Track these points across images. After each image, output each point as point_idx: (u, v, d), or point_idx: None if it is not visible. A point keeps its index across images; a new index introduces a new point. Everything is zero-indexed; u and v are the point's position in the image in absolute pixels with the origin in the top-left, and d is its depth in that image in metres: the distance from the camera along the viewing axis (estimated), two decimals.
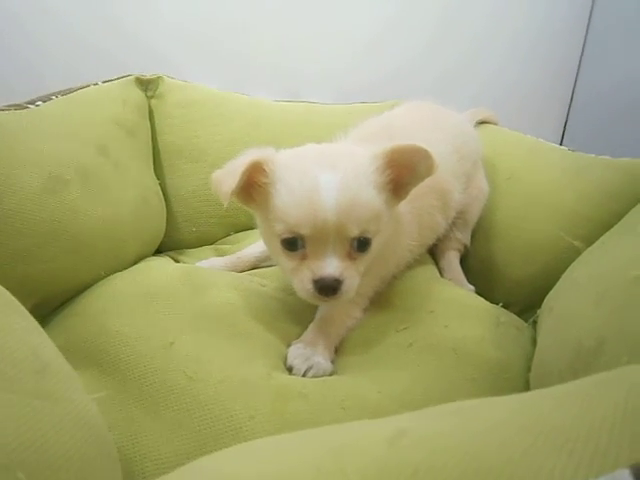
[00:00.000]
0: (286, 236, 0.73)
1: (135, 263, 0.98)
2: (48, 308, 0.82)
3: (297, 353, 0.76)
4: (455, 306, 0.85)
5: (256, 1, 1.40)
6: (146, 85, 1.16)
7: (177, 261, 1.09)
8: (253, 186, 0.76)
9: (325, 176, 0.71)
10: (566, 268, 0.92)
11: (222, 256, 1.08)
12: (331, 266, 0.71)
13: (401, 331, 0.80)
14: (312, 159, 0.76)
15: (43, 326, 0.77)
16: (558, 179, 1.03)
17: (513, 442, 0.32)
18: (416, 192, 0.86)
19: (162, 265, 0.93)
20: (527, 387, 0.72)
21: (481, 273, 1.07)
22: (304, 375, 0.73)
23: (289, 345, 0.79)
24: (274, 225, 0.73)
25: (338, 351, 0.82)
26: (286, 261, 0.76)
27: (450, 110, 1.10)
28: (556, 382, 0.63)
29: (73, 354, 0.72)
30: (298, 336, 0.83)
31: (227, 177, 0.73)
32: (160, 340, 0.72)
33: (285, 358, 0.76)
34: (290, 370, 0.74)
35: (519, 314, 0.96)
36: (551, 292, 0.83)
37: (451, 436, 0.34)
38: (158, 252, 1.13)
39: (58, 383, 0.49)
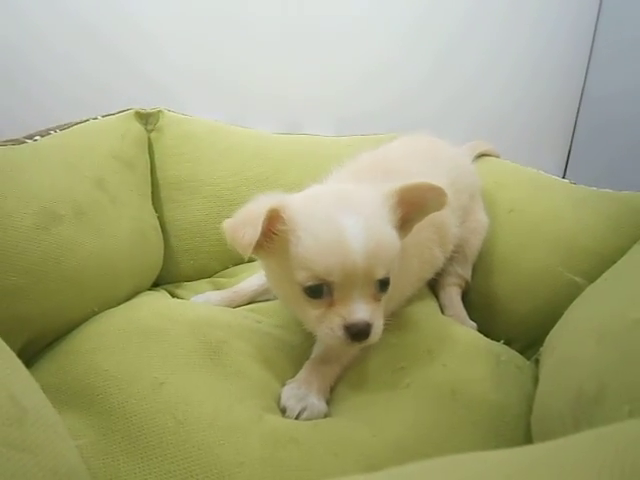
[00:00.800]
0: (311, 283, 0.71)
1: (130, 298, 0.97)
2: (39, 346, 0.80)
3: (291, 394, 0.74)
4: (454, 344, 0.83)
5: (256, 34, 1.41)
6: (146, 119, 1.16)
7: (174, 295, 1.08)
8: (267, 234, 0.73)
9: (349, 220, 0.70)
10: (568, 304, 0.90)
11: (219, 289, 1.07)
12: (362, 311, 0.70)
13: (398, 371, 0.78)
14: (330, 203, 0.75)
15: (32, 364, 0.78)
16: (559, 212, 1.01)
17: None
18: (416, 226, 0.86)
19: (155, 301, 0.92)
20: (528, 430, 0.70)
21: (482, 308, 1.05)
22: (298, 416, 0.71)
23: (283, 384, 0.77)
24: (296, 273, 0.71)
25: (333, 390, 0.80)
26: (310, 309, 0.74)
27: (446, 143, 1.10)
28: (558, 428, 0.61)
29: (61, 394, 0.71)
30: (293, 375, 0.81)
31: (245, 227, 0.70)
32: (150, 380, 0.70)
33: (279, 398, 0.74)
34: (284, 411, 0.72)
35: (521, 350, 0.94)
36: (553, 330, 0.81)
37: None
38: (155, 285, 1.12)
39: (36, 432, 0.48)
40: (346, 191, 0.80)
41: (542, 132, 1.59)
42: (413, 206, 0.77)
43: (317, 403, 0.73)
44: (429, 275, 1.00)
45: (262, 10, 1.40)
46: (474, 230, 1.05)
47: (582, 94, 1.54)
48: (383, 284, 0.74)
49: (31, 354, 0.79)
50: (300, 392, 0.74)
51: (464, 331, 0.89)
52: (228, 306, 0.98)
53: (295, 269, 0.71)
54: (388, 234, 0.73)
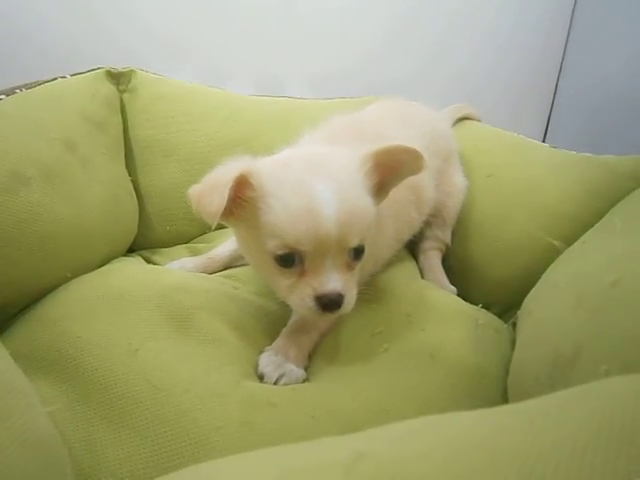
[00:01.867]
0: (281, 252, 0.69)
1: (104, 263, 0.95)
2: (9, 312, 0.78)
3: (268, 360, 0.73)
4: (433, 309, 0.83)
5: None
6: (118, 78, 1.11)
7: (149, 261, 1.06)
8: (236, 201, 0.70)
9: (321, 186, 0.68)
10: (546, 268, 0.91)
11: (196, 255, 1.05)
12: (334, 281, 0.68)
13: (376, 335, 0.78)
14: (302, 168, 0.71)
15: (2, 331, 0.75)
16: (539, 177, 1.01)
17: (476, 466, 0.30)
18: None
19: (129, 267, 0.90)
20: (505, 392, 0.71)
21: (461, 273, 1.05)
22: (275, 383, 0.70)
23: (261, 352, 0.77)
24: (266, 242, 0.69)
25: (311, 357, 0.79)
26: (281, 279, 0.71)
27: (423, 106, 1.08)
28: (534, 390, 0.62)
29: (33, 361, 0.69)
30: (271, 342, 0.80)
31: (212, 194, 0.67)
32: (124, 347, 0.68)
33: (257, 365, 0.74)
34: (261, 378, 0.71)
35: (499, 315, 0.95)
36: (530, 293, 0.81)
37: (411, 462, 0.31)
38: (131, 251, 1.10)
39: (3, 399, 0.46)
40: (319, 155, 0.76)
41: (522, 94, 1.57)
42: (389, 170, 0.74)
43: (295, 369, 0.72)
44: (406, 237, 0.99)
45: None
46: (450, 193, 1.05)
47: (563, 57, 1.52)
48: (357, 252, 0.72)
49: (2, 320, 0.77)
50: (278, 359, 0.73)
51: (442, 295, 0.89)
52: (203, 272, 0.97)
53: (265, 237, 0.69)
54: (363, 200, 0.71)
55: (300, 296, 0.69)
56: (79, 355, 0.68)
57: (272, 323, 0.84)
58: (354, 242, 0.69)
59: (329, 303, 0.68)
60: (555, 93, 1.54)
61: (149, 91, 1.13)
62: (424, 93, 1.28)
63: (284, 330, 0.81)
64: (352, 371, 0.72)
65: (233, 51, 1.39)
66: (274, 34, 1.40)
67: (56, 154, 0.88)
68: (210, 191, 0.68)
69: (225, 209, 0.66)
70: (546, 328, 0.64)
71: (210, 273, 0.97)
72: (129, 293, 0.77)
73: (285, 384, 0.70)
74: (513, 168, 1.04)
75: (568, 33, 1.49)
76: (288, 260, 0.69)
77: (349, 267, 0.72)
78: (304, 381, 0.73)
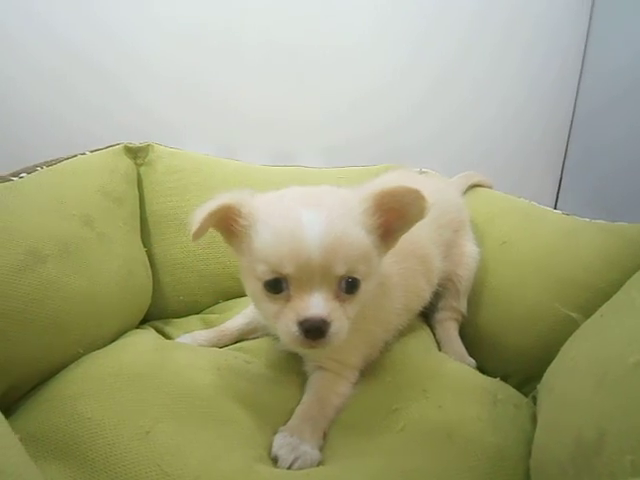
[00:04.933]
0: (268, 278, 0.70)
1: (117, 337, 0.95)
2: (20, 391, 0.77)
3: (283, 442, 0.71)
4: (449, 383, 0.81)
5: (246, 62, 1.41)
6: (135, 153, 1.15)
7: (162, 332, 1.05)
8: (230, 231, 0.75)
9: (309, 213, 0.69)
10: (564, 339, 0.89)
11: (210, 326, 1.05)
12: (317, 306, 0.67)
13: (392, 413, 0.76)
14: (295, 199, 0.74)
15: (14, 412, 0.74)
16: (553, 244, 1.00)
17: None
18: (399, 255, 0.85)
19: (141, 343, 0.89)
20: (527, 474, 0.67)
21: (477, 342, 1.03)
22: (290, 466, 0.68)
23: (275, 432, 0.75)
24: (255, 268, 0.71)
25: (326, 434, 0.77)
26: (269, 305, 0.72)
27: (432, 178, 1.09)
28: (558, 476, 0.59)
29: (42, 444, 0.68)
30: (286, 418, 0.78)
31: (195, 218, 0.73)
32: (135, 428, 0.67)
33: (270, 447, 0.72)
34: (275, 461, 0.69)
35: (518, 386, 0.92)
36: (550, 368, 0.79)
37: None
38: (144, 321, 1.09)
39: None
40: (316, 189, 0.79)
41: (533, 159, 1.59)
42: (393, 212, 0.73)
43: (310, 452, 0.70)
44: (416, 307, 0.98)
45: (253, 37, 1.41)
46: (461, 262, 1.05)
47: (572, 121, 1.55)
48: (350, 285, 0.71)
49: (12, 400, 0.76)
50: (292, 441, 0.71)
51: (460, 368, 0.87)
52: (215, 346, 0.96)
53: (255, 264, 0.71)
54: (353, 231, 0.70)
55: (285, 321, 0.69)
56: (89, 438, 0.66)
57: (286, 397, 0.82)
58: (339, 270, 0.68)
59: (311, 329, 0.67)
60: (565, 158, 1.56)
61: (165, 164, 1.16)
62: (436, 160, 1.31)
63: (298, 408, 0.79)
64: (367, 453, 0.70)
65: (248, 125, 1.44)
66: (287, 105, 1.45)
67: (74, 230, 0.90)
68: (196, 215, 0.74)
69: (229, 236, 0.75)
70: (568, 409, 0.62)
71: (222, 346, 0.96)
72: (140, 372, 0.76)
73: (299, 468, 0.68)
74: (527, 235, 1.04)
75: (576, 98, 1.52)
76: (276, 286, 0.70)
77: (339, 297, 0.71)
78: (319, 463, 0.71)
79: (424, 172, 1.31)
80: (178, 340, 0.98)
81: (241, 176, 1.23)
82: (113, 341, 0.93)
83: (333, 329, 0.68)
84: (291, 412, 0.80)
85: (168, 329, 1.06)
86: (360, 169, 1.31)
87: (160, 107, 1.39)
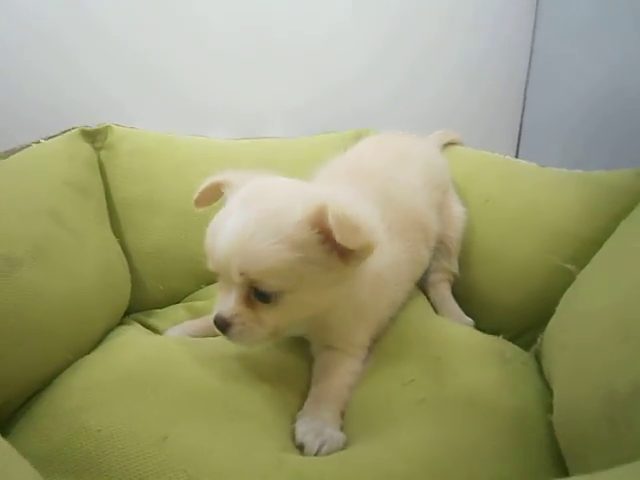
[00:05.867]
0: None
1: (103, 337, 0.89)
2: (12, 406, 0.71)
3: (306, 428, 0.69)
4: (459, 348, 0.81)
5: (206, 37, 1.32)
6: (93, 136, 1.06)
7: (146, 325, 1.00)
8: None
9: (236, 215, 0.69)
10: (557, 292, 0.91)
11: (196, 314, 1.00)
12: (223, 306, 0.70)
13: (409, 384, 0.75)
14: (243, 194, 0.73)
15: (10, 430, 0.68)
16: (536, 198, 1.01)
17: None
18: (404, 228, 0.84)
19: (136, 341, 0.83)
20: (549, 432, 0.68)
21: (467, 301, 1.04)
22: (317, 452, 0.66)
23: (293, 418, 0.73)
24: None
25: (343, 414, 0.76)
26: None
27: (417, 139, 1.07)
28: (591, 432, 0.60)
29: (49, 463, 0.62)
30: (299, 403, 0.76)
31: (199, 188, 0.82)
32: (151, 435, 0.63)
33: (292, 434, 0.70)
34: (301, 448, 0.67)
35: (510, 341, 0.94)
36: (555, 324, 0.80)
37: None
38: (124, 314, 1.03)
39: None
40: (272, 188, 0.76)
41: (491, 115, 1.58)
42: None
43: (335, 434, 0.69)
44: (419, 275, 0.98)
45: (218, 19, 1.32)
46: (451, 224, 1.04)
47: (528, 73, 1.55)
48: (262, 295, 0.69)
49: (5, 416, 0.70)
50: (315, 425, 0.69)
51: (465, 331, 0.87)
52: (207, 336, 0.92)
53: None
54: (264, 244, 0.66)
55: None
56: (103, 452, 0.62)
57: (296, 382, 0.80)
58: (235, 278, 0.68)
59: (216, 324, 0.71)
60: (523, 111, 1.57)
61: (128, 146, 1.08)
62: (398, 120, 1.28)
63: (312, 390, 0.77)
64: (393, 428, 0.69)
65: (209, 92, 1.35)
66: (246, 71, 1.37)
67: (44, 229, 0.82)
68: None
69: None
70: (591, 363, 0.62)
71: (215, 336, 0.92)
72: (145, 373, 0.72)
73: (327, 452, 0.66)
74: (509, 191, 1.05)
75: (531, 50, 1.52)
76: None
77: (250, 303, 0.70)
78: (344, 445, 0.69)
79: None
80: (168, 333, 0.93)
81: (211, 153, 1.16)
82: (100, 341, 0.87)
83: (234, 331, 0.70)
84: (303, 396, 0.78)
85: (152, 321, 1.01)
86: (332, 135, 1.27)
87: (113, 85, 1.28)
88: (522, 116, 1.58)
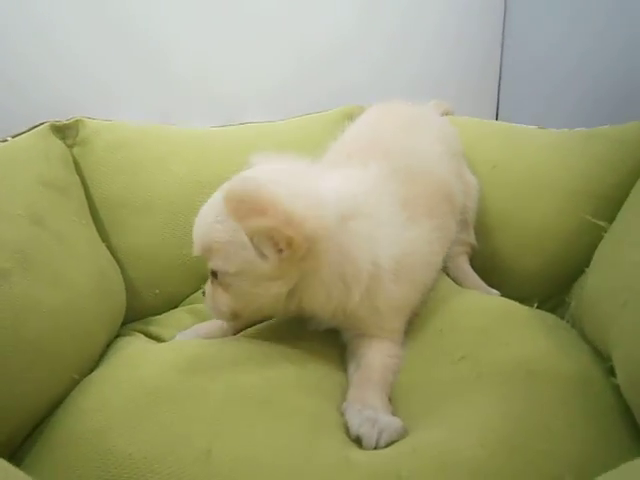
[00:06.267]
0: None
1: (104, 352, 0.79)
2: (22, 434, 0.62)
3: (360, 419, 0.62)
4: (501, 319, 0.76)
5: (180, 21, 1.22)
6: (63, 132, 0.95)
7: (148, 334, 0.90)
8: None
9: (214, 198, 0.72)
10: (579, 252, 0.88)
11: (200, 318, 0.91)
12: (208, 285, 0.76)
13: (459, 362, 0.69)
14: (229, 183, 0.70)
15: (23, 460, 0.58)
16: (545, 159, 0.98)
17: None
18: (430, 203, 0.79)
19: (147, 351, 0.74)
20: (616, 395, 0.64)
21: (486, 271, 0.99)
22: (377, 442, 0.59)
23: (337, 409, 0.66)
24: None
25: (392, 401, 0.70)
26: None
27: (424, 108, 1.02)
28: None
29: None
30: (337, 391, 0.70)
31: None
32: (193, 451, 0.55)
33: (344, 426, 0.63)
34: (358, 440, 0.60)
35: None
36: (594, 283, 0.76)
37: None
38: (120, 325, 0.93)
39: None
40: (254, 174, 0.74)
41: (470, 81, 1.56)
42: None
43: (392, 420, 0.62)
44: (447, 250, 0.92)
45: None
46: (467, 193, 0.99)
47: (503, 36, 1.54)
48: (214, 275, 0.72)
49: (16, 445, 0.61)
50: (367, 414, 0.62)
51: (502, 302, 0.82)
52: (222, 337, 0.83)
53: None
54: (210, 222, 0.69)
55: None
56: (140, 477, 0.53)
57: (332, 372, 0.74)
58: (197, 253, 0.72)
59: None
60: (500, 75, 1.56)
61: (104, 140, 0.98)
62: (380, 97, 1.23)
63: (354, 378, 0.71)
64: (454, 409, 0.63)
65: (181, 83, 1.25)
66: (223, 57, 1.28)
67: (26, 234, 0.72)
68: None
69: None
70: None
71: (232, 335, 0.84)
72: (169, 385, 0.63)
73: (388, 441, 0.59)
74: (515, 155, 1.01)
75: (504, 18, 1.50)
76: None
77: (215, 282, 0.73)
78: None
79: None
80: (177, 338, 0.84)
81: (196, 142, 1.07)
82: (102, 356, 0.78)
83: (208, 304, 0.75)
84: (341, 385, 0.72)
85: (154, 330, 0.91)
86: (320, 115, 1.19)
87: (86, 85, 1.16)
88: (499, 80, 1.56)
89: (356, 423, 0.61)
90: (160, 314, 0.98)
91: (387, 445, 0.59)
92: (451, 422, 0.61)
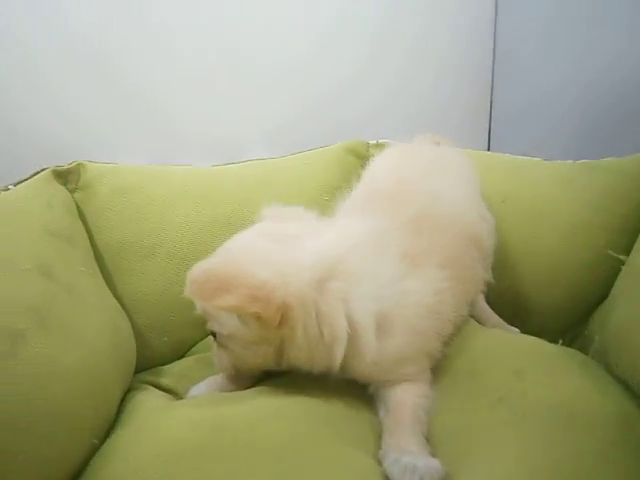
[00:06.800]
0: None
1: (118, 409, 0.75)
2: None
3: (401, 468, 0.58)
4: (532, 358, 0.75)
5: (177, 60, 1.21)
6: (65, 177, 0.92)
7: (159, 386, 0.85)
8: None
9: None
10: (601, 283, 0.88)
11: (211, 368, 0.87)
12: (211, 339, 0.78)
13: (498, 403, 0.67)
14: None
15: None
16: (554, 192, 0.99)
17: None
18: (453, 252, 0.78)
19: (167, 410, 0.68)
20: None
21: (502, 306, 0.98)
22: None
23: (375, 454, 0.63)
24: None
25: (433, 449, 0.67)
26: None
27: (445, 148, 1.00)
28: None
29: None
30: (373, 440, 0.66)
31: None
32: None
33: (383, 475, 0.59)
34: None
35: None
36: (628, 314, 0.75)
37: None
38: None
39: None
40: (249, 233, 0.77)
41: (461, 115, 1.58)
42: None
43: (429, 463, 0.59)
44: (473, 295, 0.89)
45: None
46: (488, 231, 0.97)
47: (493, 71, 1.57)
48: (212, 333, 0.75)
49: None
50: (407, 461, 0.59)
51: (531, 341, 0.80)
52: (238, 389, 0.80)
53: None
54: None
55: None
56: None
57: (361, 422, 0.70)
58: (198, 310, 0.73)
59: None
60: (491, 107, 1.58)
61: (107, 184, 0.94)
62: (380, 131, 1.24)
63: (385, 423, 0.68)
64: (495, 453, 0.60)
65: (184, 122, 1.23)
66: (223, 95, 1.26)
67: (37, 289, 0.68)
68: None
69: None
70: None
71: (249, 387, 0.80)
72: (204, 446, 0.59)
73: None
74: (524, 188, 1.01)
75: (494, 49, 1.54)
76: None
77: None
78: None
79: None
80: (192, 392, 0.79)
81: (201, 182, 1.03)
82: (117, 414, 0.73)
83: (214, 358, 0.78)
84: (372, 430, 0.69)
85: (164, 381, 0.86)
86: (321, 151, 1.18)
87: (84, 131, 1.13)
88: (490, 113, 1.59)
89: (397, 474, 0.58)
90: (169, 363, 0.93)
91: None
92: (492, 469, 0.58)
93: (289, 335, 0.67)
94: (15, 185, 0.82)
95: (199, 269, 0.65)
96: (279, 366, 0.73)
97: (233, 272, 0.64)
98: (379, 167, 0.95)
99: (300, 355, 0.69)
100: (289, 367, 0.73)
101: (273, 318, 0.64)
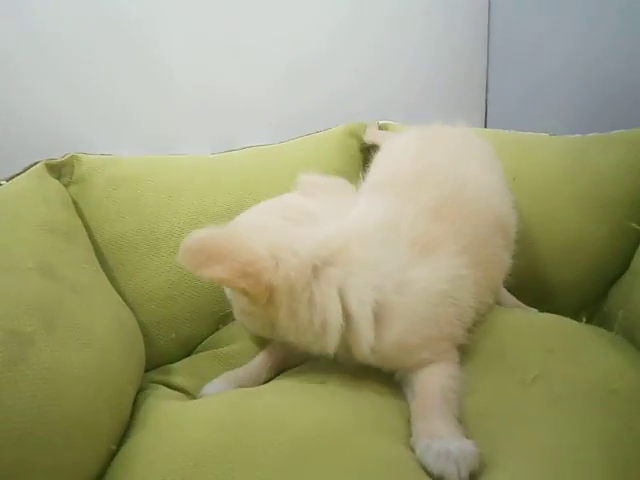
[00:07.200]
0: None
1: (132, 412, 0.71)
2: None
3: (433, 455, 0.56)
4: (563, 337, 0.73)
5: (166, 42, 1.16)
6: (59, 171, 0.87)
7: (171, 386, 0.81)
8: None
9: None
10: (621, 258, 0.86)
11: (227, 363, 0.83)
12: None
13: (533, 382, 0.65)
14: None
15: None
16: (566, 168, 0.96)
17: None
18: (477, 238, 0.75)
19: (184, 410, 0.65)
20: None
21: (520, 286, 0.95)
22: (459, 475, 0.54)
23: (407, 441, 0.61)
24: None
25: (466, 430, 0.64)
26: None
27: (461, 129, 0.96)
28: None
29: None
30: (403, 426, 0.64)
31: None
32: None
33: (418, 461, 0.57)
34: (441, 478, 0.54)
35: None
36: None
37: None
38: None
39: None
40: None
41: (456, 91, 1.55)
42: None
43: (462, 446, 0.56)
44: (499, 282, 0.87)
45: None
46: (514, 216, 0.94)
47: (488, 44, 1.54)
48: None
49: None
50: (438, 447, 0.56)
51: (556, 320, 0.78)
52: (256, 384, 0.76)
53: None
54: None
55: None
56: None
57: (389, 409, 0.67)
58: None
59: None
60: (487, 87, 1.56)
61: (104, 177, 0.89)
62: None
63: (414, 408, 0.66)
64: (537, 434, 0.58)
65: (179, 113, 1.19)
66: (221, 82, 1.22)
67: (40, 288, 0.63)
68: None
69: None
70: None
71: (264, 382, 0.77)
72: (230, 446, 0.56)
73: (469, 471, 0.54)
74: (534, 165, 0.99)
75: (488, 25, 1.51)
76: None
77: None
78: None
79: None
80: (206, 390, 0.75)
81: (204, 169, 0.99)
82: (132, 417, 0.69)
83: None
84: (402, 415, 0.66)
85: (175, 380, 0.82)
86: (323, 135, 1.14)
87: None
88: (486, 94, 1.56)
89: (433, 461, 0.56)
90: (177, 361, 0.89)
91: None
92: (540, 452, 0.56)
93: (274, 315, 0.67)
94: (7, 180, 0.77)
95: (194, 237, 0.63)
96: (280, 339, 0.73)
97: (228, 244, 0.63)
98: (401, 150, 0.91)
99: (289, 335, 0.69)
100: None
101: (261, 295, 0.64)
